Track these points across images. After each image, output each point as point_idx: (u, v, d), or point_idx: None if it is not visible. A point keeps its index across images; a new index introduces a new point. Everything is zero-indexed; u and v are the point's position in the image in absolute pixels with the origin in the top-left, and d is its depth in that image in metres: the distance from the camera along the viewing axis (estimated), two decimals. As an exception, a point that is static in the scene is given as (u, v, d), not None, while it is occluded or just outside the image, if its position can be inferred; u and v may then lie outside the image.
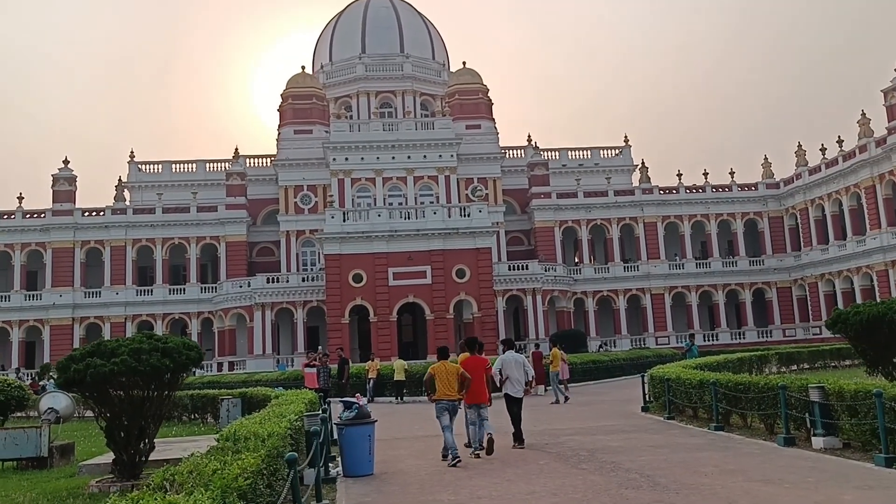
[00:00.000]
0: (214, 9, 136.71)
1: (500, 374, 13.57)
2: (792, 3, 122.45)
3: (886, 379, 14.25)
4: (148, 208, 54.22)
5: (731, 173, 57.94)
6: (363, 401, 11.56)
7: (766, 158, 59.48)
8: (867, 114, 49.13)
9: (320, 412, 11.56)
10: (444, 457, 11.89)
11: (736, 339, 54.12)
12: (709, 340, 52.74)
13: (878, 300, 44.25)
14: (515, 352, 14.10)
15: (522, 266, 50.18)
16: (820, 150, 53.08)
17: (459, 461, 11.56)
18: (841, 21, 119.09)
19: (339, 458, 11.73)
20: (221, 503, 4.31)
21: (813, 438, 11.75)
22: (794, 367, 30.78)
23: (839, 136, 51.26)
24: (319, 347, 35.87)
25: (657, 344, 52.21)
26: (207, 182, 58.20)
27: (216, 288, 51.98)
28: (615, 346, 52.10)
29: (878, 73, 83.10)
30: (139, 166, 59.21)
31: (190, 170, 59.69)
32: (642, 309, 55.31)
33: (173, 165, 59.67)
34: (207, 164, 60.01)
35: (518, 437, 13.40)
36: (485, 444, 12.13)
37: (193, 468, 5.37)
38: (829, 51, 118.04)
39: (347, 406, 11.43)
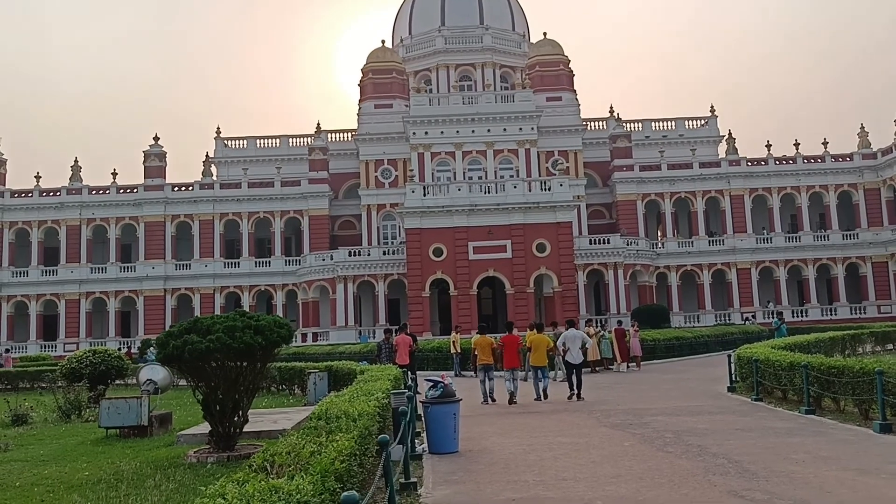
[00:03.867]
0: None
1: (563, 346, 18.47)
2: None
3: None
4: (234, 183, 55.87)
5: (825, 143, 55.47)
6: (448, 378, 11.71)
7: (862, 127, 56.65)
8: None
9: (405, 390, 11.77)
10: (483, 402, 17.38)
11: (827, 315, 52.17)
12: (798, 317, 51.00)
13: None
14: (576, 329, 19.16)
15: (604, 240, 49.51)
16: (922, 117, 50.18)
17: (494, 401, 17.42)
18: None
19: (423, 435, 11.96)
20: (322, 487, 4.49)
21: (911, 426, 11.30)
22: (891, 347, 29.47)
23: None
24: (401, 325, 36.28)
25: (742, 319, 50.81)
26: (291, 157, 59.54)
27: (300, 261, 53.29)
28: (699, 322, 51.03)
29: None
30: (225, 142, 60.98)
31: (273, 145, 61.16)
32: (727, 284, 53.86)
33: (258, 141, 61.23)
34: (290, 140, 61.34)
35: (578, 395, 17.84)
36: (515, 398, 17.37)
37: (291, 449, 5.59)
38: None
39: (433, 384, 11.60)
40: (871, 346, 28.59)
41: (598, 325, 35.09)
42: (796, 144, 55.12)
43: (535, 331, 19.18)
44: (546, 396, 17.93)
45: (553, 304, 44.82)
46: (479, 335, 18.91)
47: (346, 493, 4.00)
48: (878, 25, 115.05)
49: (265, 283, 54.13)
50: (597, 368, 26.28)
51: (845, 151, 55.77)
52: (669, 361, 30.71)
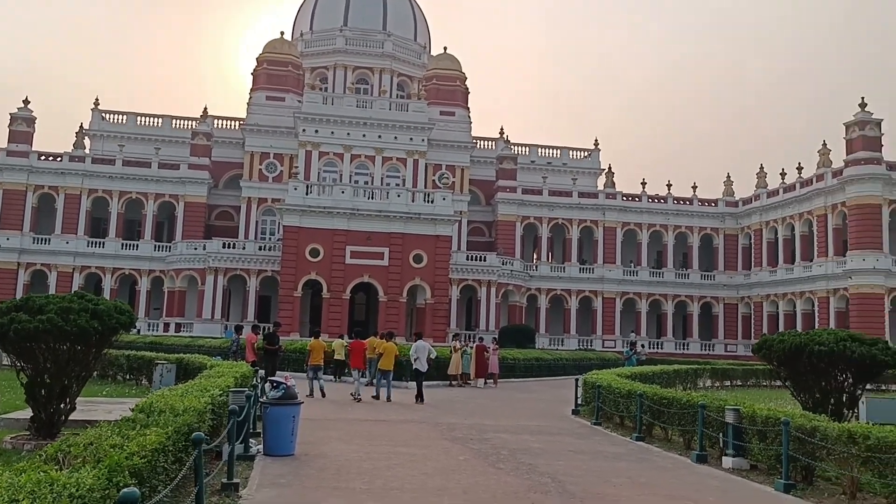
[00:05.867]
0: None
1: (414, 355, 21.05)
2: (770, 24, 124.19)
3: (803, 407, 14.73)
4: (108, 159, 53.17)
5: (694, 187, 58.91)
6: (292, 381, 11.65)
7: (728, 177, 60.57)
8: (828, 144, 50.32)
9: (245, 389, 11.61)
10: (308, 395, 19.19)
11: (680, 349, 55.21)
12: (654, 348, 53.68)
13: (817, 327, 45.79)
14: (423, 341, 21.92)
15: (480, 257, 50.45)
16: (780, 174, 54.25)
17: (324, 397, 19.97)
18: (819, 50, 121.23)
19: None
20: (107, 483, 4.38)
21: (723, 458, 12.14)
22: (728, 383, 31.52)
23: (799, 163, 52.60)
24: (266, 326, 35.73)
25: (603, 347, 53.01)
26: (172, 139, 57.35)
27: (170, 247, 51.33)
28: (563, 345, 52.79)
29: (850, 104, 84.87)
30: (103, 115, 58.04)
31: (155, 124, 58.69)
32: (593, 311, 56.07)
33: (138, 118, 58.58)
34: (174, 121, 59.03)
35: (420, 397, 20.12)
36: (359, 397, 20.01)
37: (92, 441, 5.43)
38: (805, 77, 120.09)
39: (276, 385, 11.51)
40: (710, 382, 30.47)
41: (473, 340, 35.75)
42: (669, 185, 58.23)
43: (385, 339, 21.65)
44: (389, 399, 20.14)
45: (424, 316, 45.24)
46: (314, 339, 21.92)
47: (125, 490, 3.93)
48: (760, 77, 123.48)
49: (131, 266, 51.74)
50: (453, 383, 26.75)
51: (713, 196, 59.38)
52: (527, 381, 31.61)
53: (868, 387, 17.77)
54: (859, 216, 46.20)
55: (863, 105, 46.40)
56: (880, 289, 45.40)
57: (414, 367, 21.13)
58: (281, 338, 24.12)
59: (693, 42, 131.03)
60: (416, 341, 21.95)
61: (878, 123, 46.49)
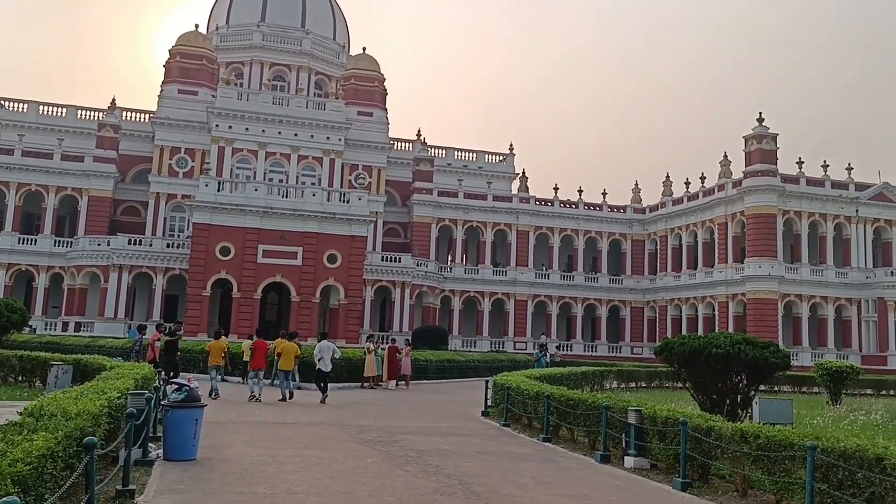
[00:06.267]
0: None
1: (318, 355, 20.80)
2: (682, 39, 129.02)
3: (701, 407, 15.36)
4: (6, 149, 50.49)
5: (604, 194, 60.54)
6: (195, 383, 11.34)
7: (636, 184, 62.63)
8: (729, 156, 52.68)
9: (149, 391, 11.24)
10: (211, 396, 18.70)
11: (589, 351, 56.62)
12: (564, 350, 54.90)
13: (717, 330, 47.83)
14: (328, 341, 21.69)
15: (395, 258, 50.41)
16: (685, 183, 56.42)
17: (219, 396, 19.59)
18: (725, 61, 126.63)
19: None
20: (-14, 490, 4.16)
21: (626, 457, 12.49)
22: (633, 385, 32.47)
23: (702, 173, 54.92)
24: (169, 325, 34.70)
25: (515, 349, 53.84)
26: (77, 130, 55.04)
27: (72, 243, 49.15)
28: (475, 347, 53.30)
29: (752, 118, 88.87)
30: (1, 103, 55.12)
31: (59, 114, 56.14)
32: (505, 313, 56.84)
33: (41, 107, 55.91)
34: (79, 112, 56.63)
35: (324, 397, 20.25)
36: (259, 396, 19.79)
37: (-26, 447, 5.15)
38: (712, 90, 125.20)
39: (178, 387, 11.19)
40: (616, 383, 31.37)
41: (387, 341, 35.68)
42: (580, 191, 59.72)
43: (285, 339, 21.61)
44: (291, 397, 20.33)
45: (338, 316, 44.84)
46: (215, 340, 22.05)
47: (5, 500, 3.75)
48: (668, 90, 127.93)
49: (28, 262, 49.27)
50: (365, 385, 26.63)
51: (621, 203, 61.16)
52: (439, 382, 31.74)
53: (762, 388, 18.71)
54: (756, 225, 48.53)
55: (760, 119, 48.80)
56: (774, 294, 47.80)
57: (317, 367, 20.97)
58: (189, 338, 23.54)
59: (604, 58, 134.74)
60: (320, 341, 21.96)
61: (774, 137, 48.98)
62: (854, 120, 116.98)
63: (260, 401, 19.70)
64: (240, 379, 25.60)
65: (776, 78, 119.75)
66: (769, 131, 48.79)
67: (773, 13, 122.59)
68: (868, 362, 46.13)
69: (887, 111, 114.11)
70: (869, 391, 34.25)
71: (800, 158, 50.45)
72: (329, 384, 21.64)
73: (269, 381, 23.19)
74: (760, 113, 48.89)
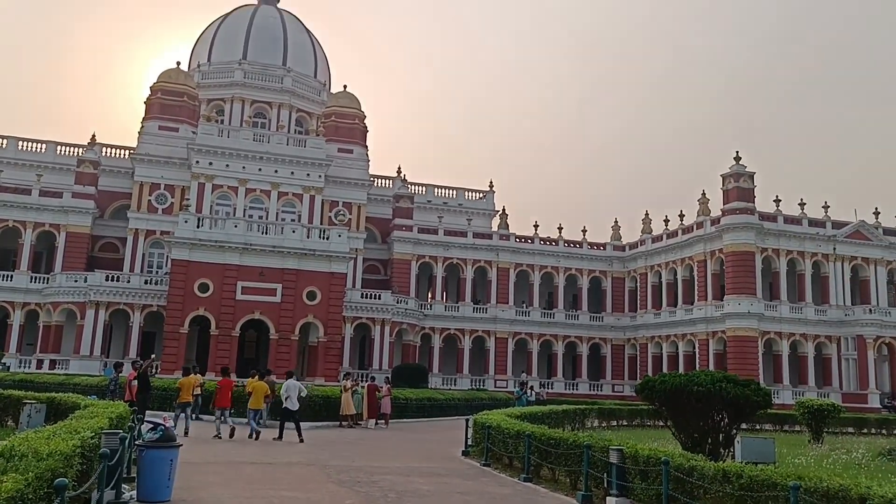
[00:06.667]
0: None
1: (285, 393, 20.74)
2: (659, 76, 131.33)
3: (683, 446, 15.28)
4: (-18, 184, 50.03)
5: (584, 231, 60.88)
6: (170, 422, 11.12)
7: (616, 222, 63.06)
8: (707, 194, 53.34)
9: (123, 430, 10.99)
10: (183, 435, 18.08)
11: (570, 389, 56.42)
12: (545, 388, 54.60)
13: (697, 367, 47.87)
14: (294, 381, 21.59)
15: (375, 295, 50.19)
16: (664, 220, 56.94)
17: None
18: (703, 99, 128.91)
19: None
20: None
21: (608, 498, 12.34)
22: (614, 423, 32.30)
23: (681, 211, 55.46)
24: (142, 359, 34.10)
25: (496, 386, 53.53)
26: (56, 166, 54.66)
27: (48, 279, 48.51)
28: (456, 385, 52.94)
29: (729, 155, 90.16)
30: (-22, 138, 54.75)
31: (38, 150, 55.73)
32: (486, 351, 56.62)
33: (20, 143, 55.50)
34: (59, 147, 56.26)
35: (300, 437, 20.26)
36: (229, 434, 19.95)
37: (-60, 490, 4.99)
38: (690, 127, 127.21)
39: (153, 426, 10.97)
40: (597, 421, 31.17)
41: (366, 379, 35.26)
42: (560, 229, 59.99)
43: (256, 378, 21.66)
44: (258, 437, 20.17)
45: (317, 354, 44.44)
46: (185, 377, 22.06)
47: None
48: (667, 132, 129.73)
49: (3, 298, 48.42)
50: (343, 424, 26.28)
51: (601, 241, 61.52)
52: (419, 421, 31.40)
53: (743, 426, 18.67)
54: (735, 263, 48.96)
55: (737, 158, 49.54)
56: (754, 332, 48.05)
57: (284, 405, 20.89)
58: (166, 376, 23.20)
59: (583, 94, 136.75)
60: (286, 380, 21.75)
61: (752, 176, 49.68)
62: (828, 158, 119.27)
63: (220, 437, 19.82)
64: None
65: (753, 115, 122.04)
66: (746, 169, 49.50)
67: (752, 51, 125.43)
68: (848, 400, 46.36)
69: (862, 150, 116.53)
70: (850, 429, 34.31)
71: (777, 196, 51.20)
72: (306, 422, 21.36)
73: (194, 416, 22.40)
74: (737, 151, 49.71)
